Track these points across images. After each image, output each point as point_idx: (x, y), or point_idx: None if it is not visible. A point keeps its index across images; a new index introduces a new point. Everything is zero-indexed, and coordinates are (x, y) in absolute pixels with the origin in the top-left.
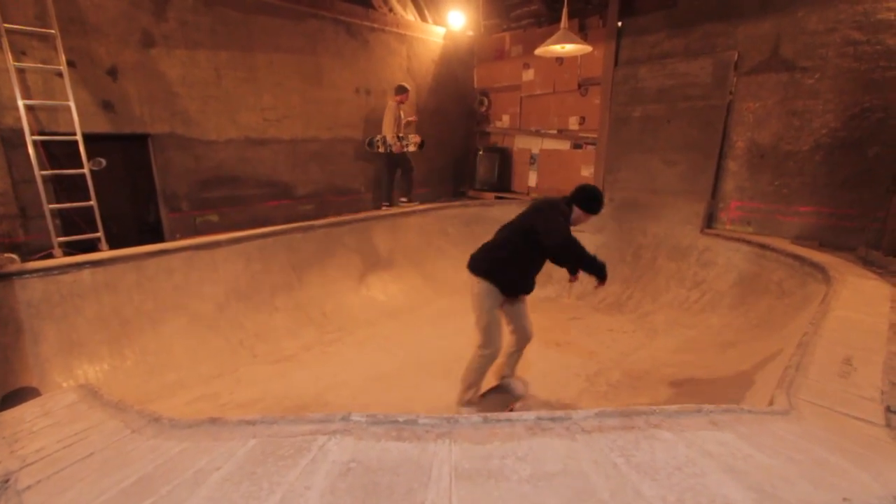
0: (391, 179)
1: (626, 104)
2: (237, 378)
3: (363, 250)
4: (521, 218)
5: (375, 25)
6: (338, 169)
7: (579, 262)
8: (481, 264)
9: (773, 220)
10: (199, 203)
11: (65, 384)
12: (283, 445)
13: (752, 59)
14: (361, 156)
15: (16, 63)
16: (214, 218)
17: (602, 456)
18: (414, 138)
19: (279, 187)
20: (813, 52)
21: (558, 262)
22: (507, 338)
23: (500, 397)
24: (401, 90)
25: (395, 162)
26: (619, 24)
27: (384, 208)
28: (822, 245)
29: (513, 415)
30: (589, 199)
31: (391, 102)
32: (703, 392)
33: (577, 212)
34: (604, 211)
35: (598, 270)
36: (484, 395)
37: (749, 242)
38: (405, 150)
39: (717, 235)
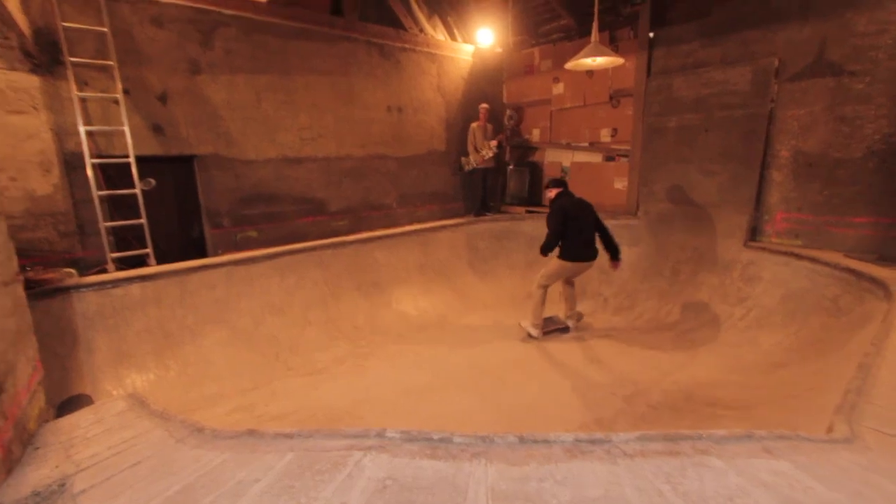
0: (483, 191)
1: (661, 114)
2: (272, 390)
3: (394, 265)
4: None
5: (407, 46)
6: (370, 185)
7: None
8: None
9: (825, 233)
10: (240, 220)
11: (115, 392)
12: (320, 460)
13: (795, 65)
14: (392, 172)
15: (79, 93)
16: (253, 234)
17: (646, 482)
18: (490, 143)
19: (314, 204)
20: (862, 54)
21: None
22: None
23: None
24: (479, 111)
25: (484, 175)
26: (651, 34)
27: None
28: (883, 259)
29: (550, 435)
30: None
31: (472, 125)
32: (751, 416)
33: None
34: (639, 224)
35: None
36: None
37: (798, 256)
38: (486, 158)
39: (763, 249)
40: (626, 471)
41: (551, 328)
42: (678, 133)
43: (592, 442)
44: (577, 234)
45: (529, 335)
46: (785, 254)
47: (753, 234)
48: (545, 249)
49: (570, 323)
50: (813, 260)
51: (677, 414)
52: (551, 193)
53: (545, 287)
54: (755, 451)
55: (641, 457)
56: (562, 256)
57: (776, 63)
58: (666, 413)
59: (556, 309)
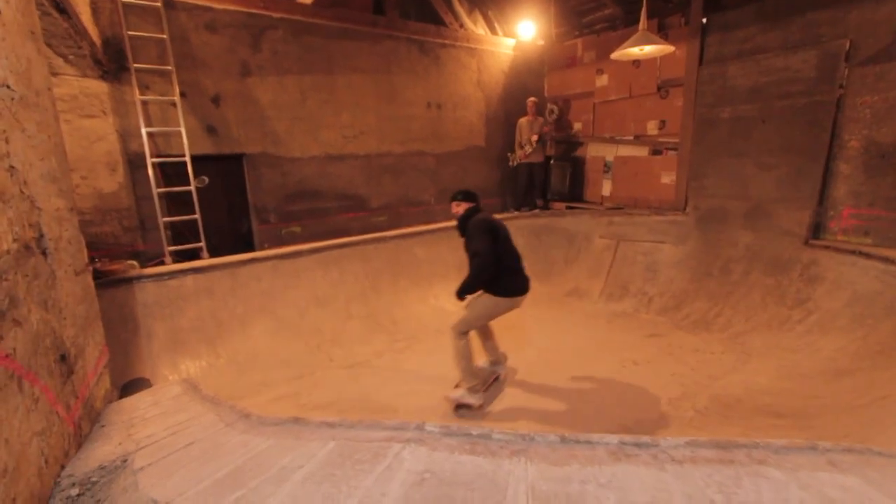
0: (524, 188)
1: (713, 105)
2: (315, 380)
3: (432, 260)
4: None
5: (447, 42)
6: (410, 181)
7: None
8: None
9: None
10: (285, 215)
11: (170, 377)
12: (360, 450)
13: (869, 48)
14: (431, 168)
15: (141, 97)
16: (297, 229)
17: (697, 490)
18: (532, 137)
19: (355, 200)
20: None
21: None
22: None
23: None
24: (527, 105)
25: (529, 171)
26: (704, 20)
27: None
28: None
29: (593, 437)
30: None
31: (519, 120)
32: (810, 426)
33: None
34: (687, 220)
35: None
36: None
37: (868, 255)
38: (527, 153)
39: (827, 247)
40: (675, 477)
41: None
42: (732, 124)
43: (638, 445)
44: (512, 258)
45: (463, 406)
46: (852, 253)
47: (816, 231)
48: (475, 285)
49: (499, 370)
50: (886, 259)
51: (726, 420)
52: (459, 209)
53: (467, 333)
54: (819, 463)
55: (691, 463)
56: (496, 291)
57: (846, 46)
58: (714, 419)
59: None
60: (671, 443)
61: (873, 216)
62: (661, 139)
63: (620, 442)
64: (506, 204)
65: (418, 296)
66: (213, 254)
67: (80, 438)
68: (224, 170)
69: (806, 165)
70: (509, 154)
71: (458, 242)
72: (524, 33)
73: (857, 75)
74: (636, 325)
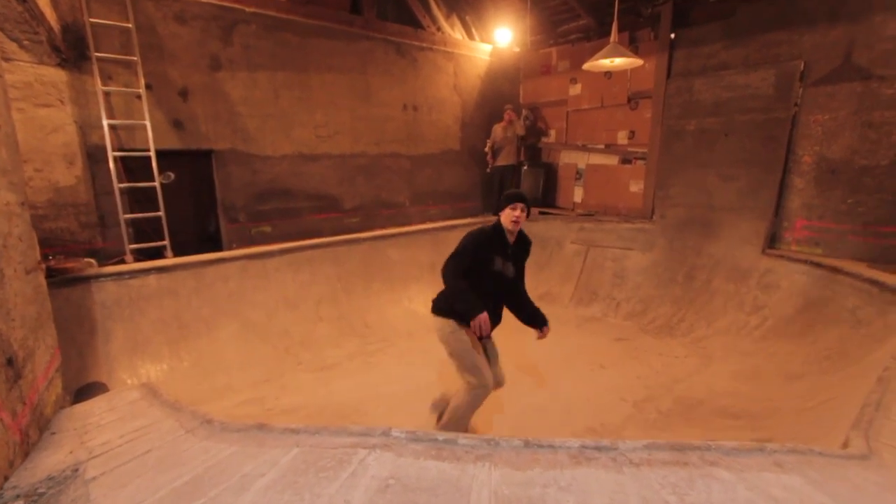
0: (497, 193)
1: (680, 117)
2: (282, 384)
3: (406, 263)
4: None
5: (424, 44)
6: (384, 183)
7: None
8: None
9: (846, 242)
10: (255, 215)
11: (129, 381)
12: (325, 456)
13: (821, 69)
14: (406, 170)
15: (103, 87)
16: (268, 229)
17: (652, 492)
18: (518, 124)
19: (328, 200)
20: (892, 59)
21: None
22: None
23: None
24: (504, 112)
25: (501, 175)
26: (672, 35)
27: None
28: None
29: (556, 441)
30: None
31: (495, 126)
32: (763, 427)
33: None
34: (654, 228)
35: (461, 305)
36: None
37: (818, 265)
38: (496, 159)
39: (781, 256)
40: (632, 479)
41: None
42: (697, 136)
43: (598, 449)
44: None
45: None
46: (804, 262)
47: (772, 241)
48: None
49: None
50: (834, 269)
51: (688, 422)
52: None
53: None
54: (766, 464)
55: (648, 466)
56: None
57: (801, 66)
58: (676, 420)
59: None
60: (629, 446)
61: (823, 228)
62: (630, 149)
63: (581, 446)
64: (485, 207)
65: (391, 298)
66: (177, 253)
67: (27, 447)
68: (191, 166)
69: (764, 178)
70: (495, 150)
71: (433, 245)
72: (501, 40)
73: (810, 94)
74: (604, 330)
